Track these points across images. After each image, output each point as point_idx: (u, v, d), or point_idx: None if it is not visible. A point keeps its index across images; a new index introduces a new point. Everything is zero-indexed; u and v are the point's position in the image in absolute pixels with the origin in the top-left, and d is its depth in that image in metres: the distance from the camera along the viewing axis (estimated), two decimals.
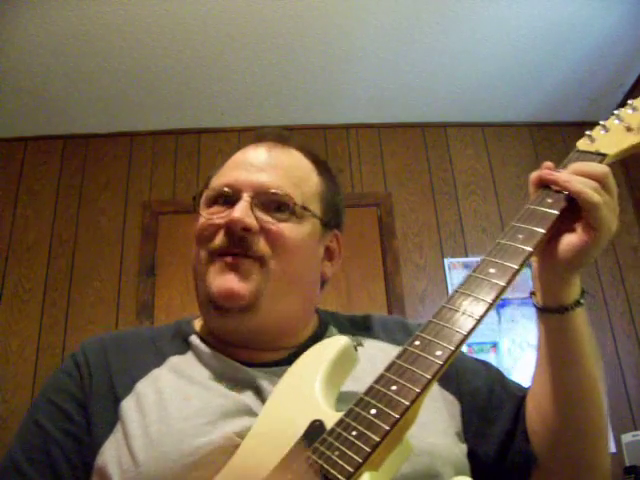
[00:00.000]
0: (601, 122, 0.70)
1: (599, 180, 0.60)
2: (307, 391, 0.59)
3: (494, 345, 2.56)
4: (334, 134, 2.97)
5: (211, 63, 2.54)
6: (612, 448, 2.38)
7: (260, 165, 0.75)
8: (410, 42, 2.49)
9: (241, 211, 0.70)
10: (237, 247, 0.70)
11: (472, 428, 0.71)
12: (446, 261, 2.73)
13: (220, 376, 0.68)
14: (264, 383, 0.66)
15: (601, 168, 0.62)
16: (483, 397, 0.73)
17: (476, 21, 2.40)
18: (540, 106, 2.93)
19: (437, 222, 2.82)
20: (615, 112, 0.70)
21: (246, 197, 0.71)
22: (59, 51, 2.40)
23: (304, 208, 0.74)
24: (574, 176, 0.61)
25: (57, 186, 2.80)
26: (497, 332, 2.59)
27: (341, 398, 0.61)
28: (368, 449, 0.48)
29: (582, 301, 0.63)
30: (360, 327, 0.82)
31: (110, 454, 0.62)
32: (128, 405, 0.65)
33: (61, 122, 2.82)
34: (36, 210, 2.74)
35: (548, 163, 0.65)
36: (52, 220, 2.73)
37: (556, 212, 0.61)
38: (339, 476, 0.47)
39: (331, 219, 0.79)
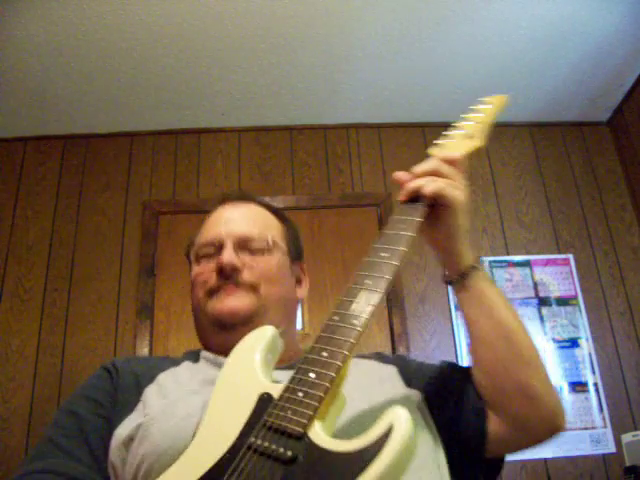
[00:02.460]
0: (444, 133, 0.88)
1: (430, 174, 0.80)
2: (249, 372, 0.69)
3: None
4: (334, 134, 2.97)
5: (211, 63, 2.54)
6: (612, 448, 2.38)
7: (232, 219, 0.97)
8: (410, 42, 2.49)
9: (228, 254, 0.91)
10: (229, 281, 0.90)
11: (443, 407, 0.83)
12: None
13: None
14: None
15: (427, 165, 0.81)
16: (442, 378, 0.88)
17: (476, 21, 2.40)
18: (540, 106, 2.93)
19: None
20: (454, 124, 0.89)
21: (229, 244, 0.92)
22: (59, 51, 2.40)
23: (273, 243, 0.96)
24: (415, 180, 0.79)
25: (57, 186, 2.80)
26: None
27: None
28: (316, 403, 0.58)
29: (476, 265, 0.81)
30: None
31: (129, 423, 0.75)
32: (150, 390, 0.80)
33: (61, 122, 2.82)
34: (36, 210, 2.74)
35: (395, 175, 0.82)
36: (52, 220, 2.72)
37: (425, 207, 0.77)
38: (297, 428, 0.56)
39: (295, 253, 1.01)
